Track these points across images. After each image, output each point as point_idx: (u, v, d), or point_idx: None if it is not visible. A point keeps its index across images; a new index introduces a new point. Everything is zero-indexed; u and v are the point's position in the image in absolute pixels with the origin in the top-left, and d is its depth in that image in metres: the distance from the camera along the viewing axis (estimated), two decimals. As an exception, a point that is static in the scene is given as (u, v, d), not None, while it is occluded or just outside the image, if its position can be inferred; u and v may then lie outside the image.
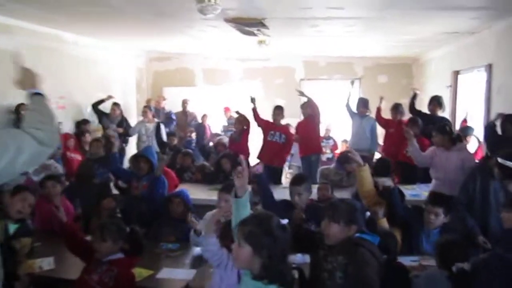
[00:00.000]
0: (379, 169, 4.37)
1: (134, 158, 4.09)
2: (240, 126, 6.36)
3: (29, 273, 2.83)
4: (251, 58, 10.17)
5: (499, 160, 3.40)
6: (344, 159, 5.60)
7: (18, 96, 4.85)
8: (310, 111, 6.12)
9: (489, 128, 4.96)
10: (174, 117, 9.00)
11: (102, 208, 3.79)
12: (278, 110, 6.11)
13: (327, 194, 4.60)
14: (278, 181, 5.85)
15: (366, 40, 7.33)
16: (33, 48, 6.25)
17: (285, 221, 1.87)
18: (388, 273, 2.28)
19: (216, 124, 9.41)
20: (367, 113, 6.20)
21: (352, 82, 6.55)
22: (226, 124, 9.32)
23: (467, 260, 2.28)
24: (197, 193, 5.31)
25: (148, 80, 10.62)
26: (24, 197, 3.09)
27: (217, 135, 8.78)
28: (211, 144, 8.52)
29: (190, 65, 10.45)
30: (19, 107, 5.89)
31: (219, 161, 5.83)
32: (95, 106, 7.59)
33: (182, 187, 5.50)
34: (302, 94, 6.38)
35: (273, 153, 5.95)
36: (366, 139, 6.09)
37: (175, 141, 7.41)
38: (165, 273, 2.90)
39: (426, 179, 4.86)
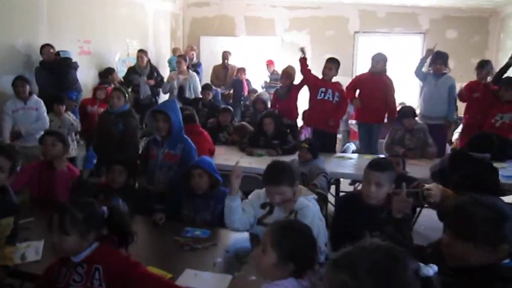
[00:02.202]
0: (479, 144, 3.32)
1: (151, 114, 3.19)
2: (288, 80, 5.34)
3: (4, 265, 2.07)
4: (299, 6, 8.99)
5: None
6: (402, 114, 4.65)
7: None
8: (382, 66, 5.02)
9: None
10: (200, 70, 8.10)
11: (111, 179, 3.00)
12: (332, 64, 5.02)
13: (399, 170, 3.63)
14: (331, 150, 4.89)
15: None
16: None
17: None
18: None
19: (257, 80, 8.42)
20: (445, 71, 5.01)
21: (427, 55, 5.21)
22: (268, 80, 8.30)
23: None
24: (233, 158, 4.45)
25: (184, 28, 9.70)
26: None
27: (255, 91, 7.83)
28: (248, 102, 7.63)
29: (231, 13, 9.38)
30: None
31: (261, 121, 4.91)
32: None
33: (217, 150, 4.68)
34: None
35: (325, 114, 4.95)
36: (442, 103, 4.93)
37: (210, 96, 6.50)
38: (187, 278, 2.06)
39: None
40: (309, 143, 4.01)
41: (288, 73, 5.38)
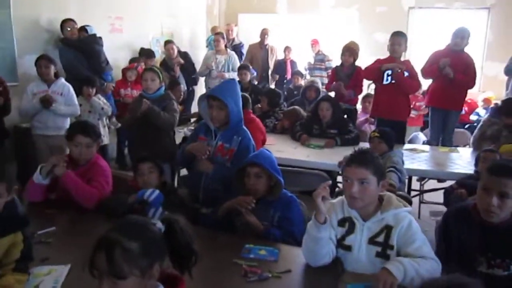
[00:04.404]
0: None
1: (207, 99, 2.54)
2: (351, 58, 4.61)
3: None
4: (347, -20, 8.17)
5: None
6: (506, 110, 3.82)
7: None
8: (466, 43, 4.24)
9: None
10: (243, 50, 7.43)
11: (142, 180, 2.41)
12: (401, 38, 4.23)
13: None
14: (400, 139, 4.16)
15: None
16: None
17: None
18: None
19: (300, 62, 7.69)
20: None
21: None
22: (312, 61, 7.54)
23: None
24: (288, 150, 3.81)
25: (221, 5, 9.03)
26: None
27: (300, 73, 7.11)
28: (291, 85, 6.93)
29: (272, -12, 8.63)
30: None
31: (317, 105, 4.23)
32: None
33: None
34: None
35: (393, 101, 4.21)
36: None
37: (249, 77, 5.82)
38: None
39: None
40: (382, 132, 3.33)
41: (351, 49, 4.66)
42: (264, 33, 7.34)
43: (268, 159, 2.35)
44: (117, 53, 5.72)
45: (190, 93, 6.47)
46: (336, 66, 4.98)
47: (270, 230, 2.18)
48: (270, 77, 7.35)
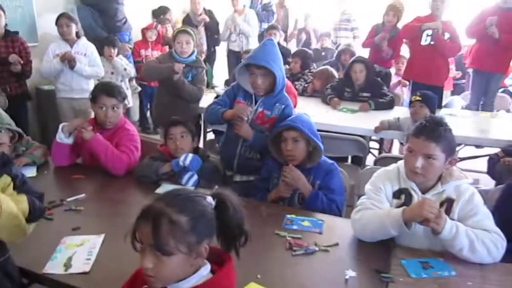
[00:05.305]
0: None
1: (245, 67, 2.34)
2: (395, 18, 4.30)
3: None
4: None
5: None
6: None
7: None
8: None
9: None
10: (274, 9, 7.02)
11: (174, 147, 2.27)
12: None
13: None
14: (438, 106, 3.93)
15: None
16: None
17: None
18: None
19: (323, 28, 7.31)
20: None
21: None
22: (338, 19, 7.13)
23: None
24: (320, 115, 3.60)
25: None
26: None
27: (327, 34, 6.77)
28: (319, 45, 6.62)
29: None
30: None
31: (350, 67, 4.00)
32: None
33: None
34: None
35: (431, 64, 3.95)
36: None
37: (278, 38, 5.54)
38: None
39: None
40: (424, 95, 3.11)
41: (396, 8, 4.34)
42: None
43: (306, 123, 2.18)
44: (136, 11, 5.46)
45: (212, 54, 6.21)
46: (377, 24, 4.66)
47: (318, 193, 2.04)
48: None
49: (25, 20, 4.23)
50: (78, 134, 2.31)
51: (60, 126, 2.35)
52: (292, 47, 6.91)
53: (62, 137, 2.32)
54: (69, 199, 1.97)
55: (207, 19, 5.77)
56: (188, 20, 5.76)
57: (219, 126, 3.07)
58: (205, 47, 5.80)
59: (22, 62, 3.66)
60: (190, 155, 2.18)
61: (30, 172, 2.28)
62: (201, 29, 5.76)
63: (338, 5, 7.25)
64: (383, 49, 4.43)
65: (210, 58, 6.03)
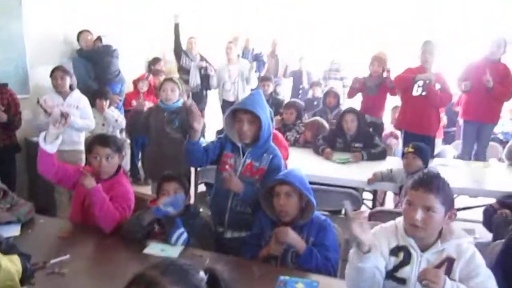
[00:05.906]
0: None
1: (232, 114, 2.34)
2: (379, 68, 4.42)
3: None
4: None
5: None
6: None
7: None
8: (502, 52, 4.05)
9: None
10: (262, 64, 7.16)
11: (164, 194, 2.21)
12: (431, 46, 4.05)
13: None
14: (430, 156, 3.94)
15: None
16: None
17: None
18: None
19: (315, 71, 7.48)
20: None
21: None
22: (328, 68, 7.28)
23: None
24: (310, 165, 3.57)
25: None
26: None
27: (318, 84, 6.89)
28: (310, 94, 6.71)
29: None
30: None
31: (341, 117, 4.03)
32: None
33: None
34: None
35: (422, 114, 4.01)
36: None
37: (271, 89, 5.64)
38: None
39: None
40: (417, 147, 3.12)
41: (380, 59, 4.46)
42: (274, 43, 7.24)
43: (299, 178, 2.15)
44: (131, 63, 5.54)
45: (204, 97, 6.22)
46: (364, 77, 4.75)
47: (313, 250, 1.97)
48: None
49: (17, 72, 4.25)
50: (80, 181, 2.25)
51: (42, 134, 2.26)
52: (283, 90, 7.03)
53: (44, 143, 2.24)
54: (52, 261, 1.88)
55: (203, 64, 5.87)
56: (184, 52, 5.88)
57: (211, 179, 3.02)
58: (198, 81, 5.85)
59: (3, 109, 3.60)
60: (169, 198, 2.13)
61: (14, 230, 2.20)
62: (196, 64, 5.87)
63: (328, 54, 7.45)
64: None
65: (201, 99, 6.00)
